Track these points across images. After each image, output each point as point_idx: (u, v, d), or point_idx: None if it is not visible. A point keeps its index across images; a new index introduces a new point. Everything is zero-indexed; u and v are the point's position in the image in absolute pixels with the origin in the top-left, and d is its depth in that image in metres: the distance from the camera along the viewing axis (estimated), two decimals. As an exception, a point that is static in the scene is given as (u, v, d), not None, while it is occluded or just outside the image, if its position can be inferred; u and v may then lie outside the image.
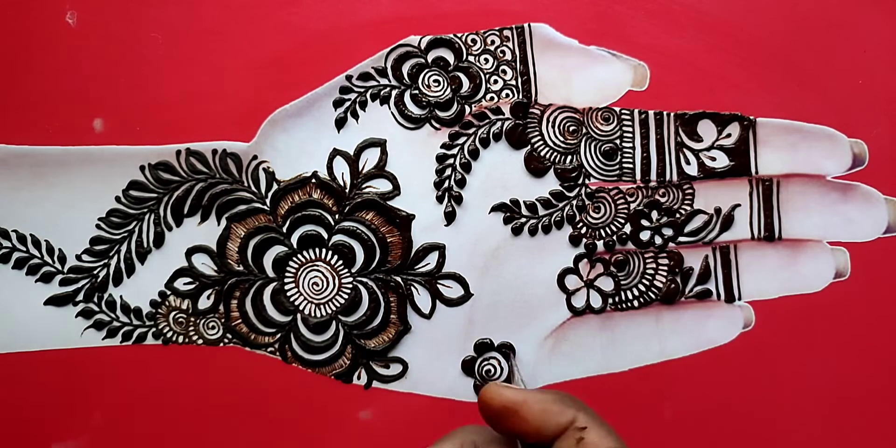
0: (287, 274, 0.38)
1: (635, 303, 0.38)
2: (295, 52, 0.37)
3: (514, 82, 0.38)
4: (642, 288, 0.38)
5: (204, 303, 0.37)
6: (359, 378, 0.38)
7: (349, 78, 0.37)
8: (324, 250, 0.37)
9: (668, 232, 0.38)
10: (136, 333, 0.37)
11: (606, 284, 0.38)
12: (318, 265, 0.38)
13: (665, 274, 0.38)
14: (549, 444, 0.28)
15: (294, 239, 0.37)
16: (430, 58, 0.38)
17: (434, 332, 0.38)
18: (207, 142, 0.37)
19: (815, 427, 0.38)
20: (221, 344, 0.38)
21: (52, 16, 0.37)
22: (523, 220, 0.38)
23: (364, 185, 0.37)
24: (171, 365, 0.37)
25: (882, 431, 0.38)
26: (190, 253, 0.37)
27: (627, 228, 0.38)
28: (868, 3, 0.38)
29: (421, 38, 0.37)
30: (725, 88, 0.38)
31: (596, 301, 0.38)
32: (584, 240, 0.38)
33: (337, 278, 0.38)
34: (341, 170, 0.37)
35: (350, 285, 0.38)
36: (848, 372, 0.38)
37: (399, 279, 0.38)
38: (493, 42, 0.37)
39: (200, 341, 0.37)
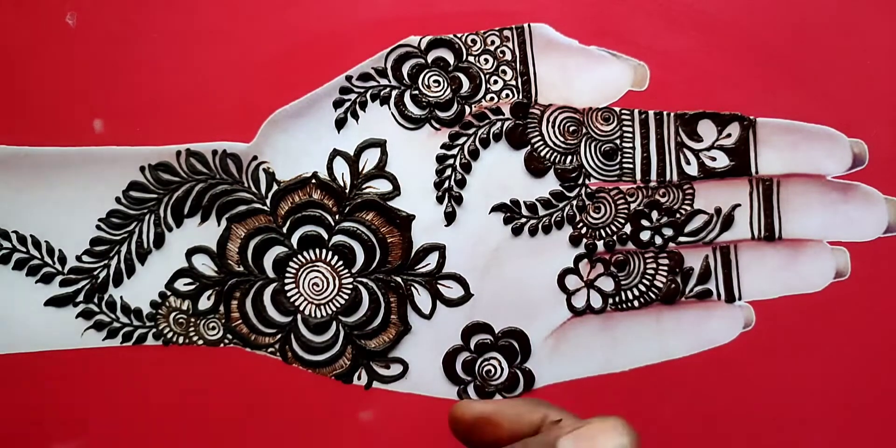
0: (287, 274, 0.38)
1: (635, 303, 0.38)
2: (295, 53, 0.37)
3: (514, 82, 0.38)
4: (643, 288, 0.38)
5: (204, 303, 0.37)
6: (359, 378, 0.38)
7: (349, 78, 0.37)
8: (324, 251, 0.37)
9: (668, 232, 0.38)
10: (136, 334, 0.37)
11: (607, 284, 0.38)
12: (318, 266, 0.38)
13: (665, 274, 0.38)
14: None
15: (294, 239, 0.37)
16: (430, 58, 0.38)
17: (434, 333, 0.38)
18: (207, 142, 0.37)
19: (815, 427, 0.38)
20: (222, 344, 0.38)
21: (52, 16, 0.37)
22: (523, 220, 0.38)
23: (364, 186, 0.37)
24: (171, 366, 0.37)
25: (882, 431, 0.38)
26: (190, 253, 0.37)
27: (627, 228, 0.38)
28: (868, 3, 0.38)
29: (421, 39, 0.37)
30: (725, 88, 0.38)
31: (596, 301, 0.38)
32: (585, 240, 0.38)
33: (337, 279, 0.38)
34: (341, 170, 0.37)
35: (350, 286, 0.38)
36: (848, 372, 0.38)
37: (399, 279, 0.38)
38: (493, 42, 0.37)
39: (201, 342, 0.37)
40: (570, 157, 0.38)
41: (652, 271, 0.38)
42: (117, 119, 0.37)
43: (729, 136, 0.38)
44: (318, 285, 0.38)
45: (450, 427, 0.28)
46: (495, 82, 0.38)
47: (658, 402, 0.38)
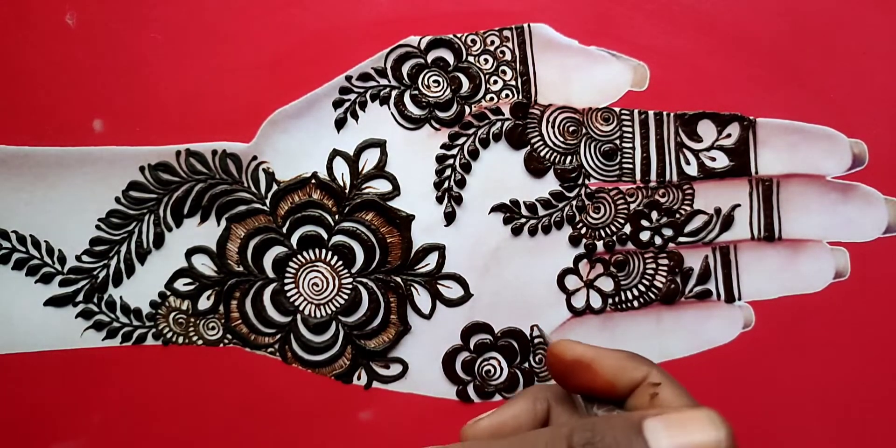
0: (287, 274, 0.38)
1: (635, 303, 0.38)
2: (295, 53, 0.37)
3: (513, 82, 0.38)
4: (642, 288, 0.38)
5: (204, 303, 0.37)
6: (359, 378, 0.38)
7: (349, 78, 0.37)
8: (324, 251, 0.37)
9: (668, 232, 0.38)
10: (136, 334, 0.37)
11: (606, 285, 0.38)
12: (317, 266, 0.38)
13: (665, 274, 0.38)
14: (617, 402, 0.27)
15: (294, 239, 0.37)
16: (429, 58, 0.38)
17: (434, 333, 0.38)
18: (207, 142, 0.37)
19: (814, 427, 0.38)
20: (221, 344, 0.38)
21: (52, 16, 0.37)
22: (523, 220, 0.38)
23: (364, 186, 0.37)
24: (171, 365, 0.37)
25: (882, 431, 0.38)
26: (190, 253, 0.37)
27: (627, 229, 0.38)
28: (868, 3, 0.38)
29: (421, 39, 0.37)
30: (725, 88, 0.38)
31: (596, 301, 0.38)
32: (584, 240, 0.38)
33: (337, 279, 0.38)
34: (341, 170, 0.37)
35: (350, 286, 0.38)
36: (848, 372, 0.38)
37: (399, 279, 0.38)
38: (492, 42, 0.37)
39: (200, 342, 0.37)
40: (569, 158, 0.38)
41: (651, 271, 0.38)
42: (117, 119, 0.37)
43: (729, 136, 0.38)
44: (317, 285, 0.38)
45: (546, 364, 0.27)
46: (495, 82, 0.38)
47: (658, 402, 0.38)
